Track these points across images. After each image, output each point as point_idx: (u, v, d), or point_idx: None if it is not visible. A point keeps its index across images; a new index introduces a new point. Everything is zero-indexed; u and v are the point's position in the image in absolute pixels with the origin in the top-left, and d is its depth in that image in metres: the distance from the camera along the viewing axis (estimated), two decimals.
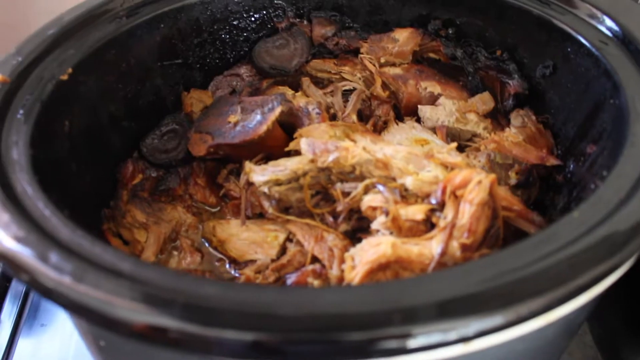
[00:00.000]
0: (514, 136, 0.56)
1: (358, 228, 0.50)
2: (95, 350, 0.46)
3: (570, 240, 0.35)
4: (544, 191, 0.55)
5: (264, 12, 0.65)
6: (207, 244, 0.55)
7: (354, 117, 0.58)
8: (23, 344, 0.66)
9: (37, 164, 0.42)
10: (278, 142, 0.56)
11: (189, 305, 0.31)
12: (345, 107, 0.59)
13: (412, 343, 0.31)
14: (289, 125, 0.57)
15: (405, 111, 0.61)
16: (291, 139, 0.55)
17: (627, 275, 0.66)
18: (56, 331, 0.67)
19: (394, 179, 0.49)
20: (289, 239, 0.52)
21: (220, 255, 0.54)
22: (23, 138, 0.43)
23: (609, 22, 0.50)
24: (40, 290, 0.34)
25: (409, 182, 0.47)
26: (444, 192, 0.46)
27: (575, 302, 0.35)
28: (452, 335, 0.31)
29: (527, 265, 0.34)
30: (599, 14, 0.51)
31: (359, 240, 0.46)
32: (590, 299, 0.36)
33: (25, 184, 0.40)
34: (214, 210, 0.58)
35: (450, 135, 0.57)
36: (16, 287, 0.72)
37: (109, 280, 0.33)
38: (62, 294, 0.33)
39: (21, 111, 0.45)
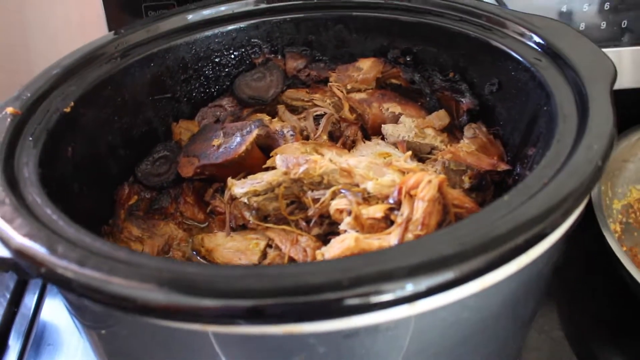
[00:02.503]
0: (468, 146, 0.62)
1: (329, 232, 0.57)
2: (97, 342, 0.51)
3: (497, 218, 0.41)
4: (498, 195, 0.61)
5: (242, 49, 0.72)
6: (196, 255, 0.61)
7: (325, 138, 0.65)
8: None
9: (45, 181, 0.48)
10: (257, 162, 0.62)
11: (174, 279, 0.38)
12: (317, 129, 0.66)
13: (354, 301, 0.36)
14: (267, 147, 0.64)
15: (372, 131, 0.68)
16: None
17: (597, 274, 0.72)
18: (62, 351, 0.72)
19: (357, 185, 0.55)
20: (269, 245, 0.58)
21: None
22: (32, 160, 0.50)
23: (537, 39, 0.58)
24: (50, 277, 0.40)
25: (369, 186, 0.54)
26: (400, 192, 0.52)
27: (501, 271, 0.40)
28: (393, 295, 0.36)
29: (458, 239, 0.39)
30: (527, 32, 0.59)
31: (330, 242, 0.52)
32: (516, 271, 0.42)
33: (35, 195, 0.46)
34: (202, 225, 0.64)
35: (411, 148, 0.64)
36: (24, 310, 0.78)
37: (106, 264, 0.39)
38: (68, 277, 0.39)
39: (30, 138, 0.52)
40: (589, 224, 0.69)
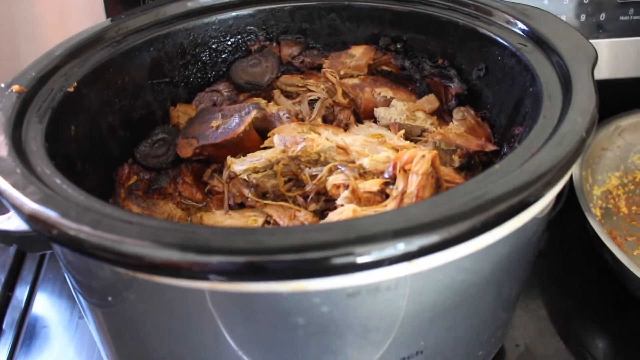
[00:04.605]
0: (457, 128, 0.65)
1: (326, 209, 0.59)
2: (101, 320, 0.53)
3: (490, 183, 0.43)
4: None
5: (239, 36, 0.74)
6: None
7: (319, 121, 0.67)
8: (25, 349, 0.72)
9: (51, 154, 0.50)
10: (254, 143, 0.64)
11: (184, 238, 0.39)
12: (311, 112, 0.69)
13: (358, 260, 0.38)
14: (264, 129, 0.66)
15: (364, 115, 0.71)
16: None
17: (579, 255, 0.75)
18: (56, 335, 0.73)
19: (353, 162, 0.57)
20: (267, 222, 0.60)
21: None
22: (39, 134, 0.51)
23: (522, 26, 0.61)
24: (63, 239, 0.41)
25: (365, 162, 0.56)
26: (394, 167, 0.54)
27: (495, 233, 0.43)
28: (395, 251, 0.38)
29: (455, 202, 0.41)
30: (513, 20, 0.62)
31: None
32: (508, 234, 0.44)
33: (43, 167, 0.47)
34: (200, 205, 0.66)
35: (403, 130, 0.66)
36: (17, 296, 0.79)
37: (119, 226, 0.40)
38: (82, 239, 0.40)
39: (36, 115, 0.54)
40: (571, 209, 0.73)
